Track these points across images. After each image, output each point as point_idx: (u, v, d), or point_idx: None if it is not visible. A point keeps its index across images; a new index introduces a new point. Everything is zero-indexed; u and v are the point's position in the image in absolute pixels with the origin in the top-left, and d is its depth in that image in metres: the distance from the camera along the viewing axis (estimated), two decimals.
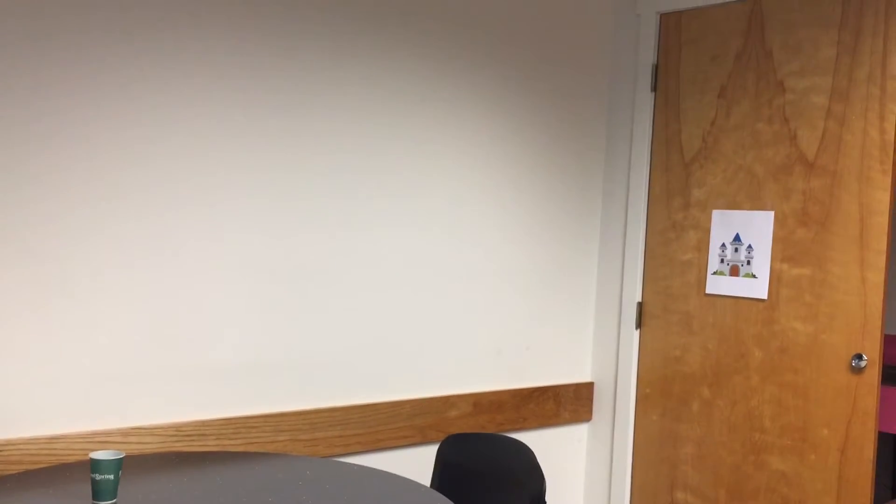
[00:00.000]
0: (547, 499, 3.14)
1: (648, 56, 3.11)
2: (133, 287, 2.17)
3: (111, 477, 1.72)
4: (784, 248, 2.77)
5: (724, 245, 2.91)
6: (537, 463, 2.23)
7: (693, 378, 2.99)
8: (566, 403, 3.14)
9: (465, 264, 2.83)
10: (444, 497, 1.88)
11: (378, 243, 2.61)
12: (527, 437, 3.05)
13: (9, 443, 1.99)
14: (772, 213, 2.79)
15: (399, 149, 2.64)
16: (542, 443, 3.10)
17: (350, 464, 2.14)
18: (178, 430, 2.24)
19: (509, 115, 2.91)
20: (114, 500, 1.73)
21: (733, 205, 2.89)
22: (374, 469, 2.10)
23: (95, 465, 1.72)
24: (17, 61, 1.97)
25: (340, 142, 2.51)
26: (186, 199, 2.24)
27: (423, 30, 2.66)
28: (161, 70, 2.17)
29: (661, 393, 3.08)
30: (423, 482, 2.72)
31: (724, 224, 2.91)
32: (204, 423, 2.29)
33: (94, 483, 1.72)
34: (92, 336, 2.12)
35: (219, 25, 2.26)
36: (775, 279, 2.79)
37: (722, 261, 2.91)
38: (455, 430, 2.78)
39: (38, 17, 1.99)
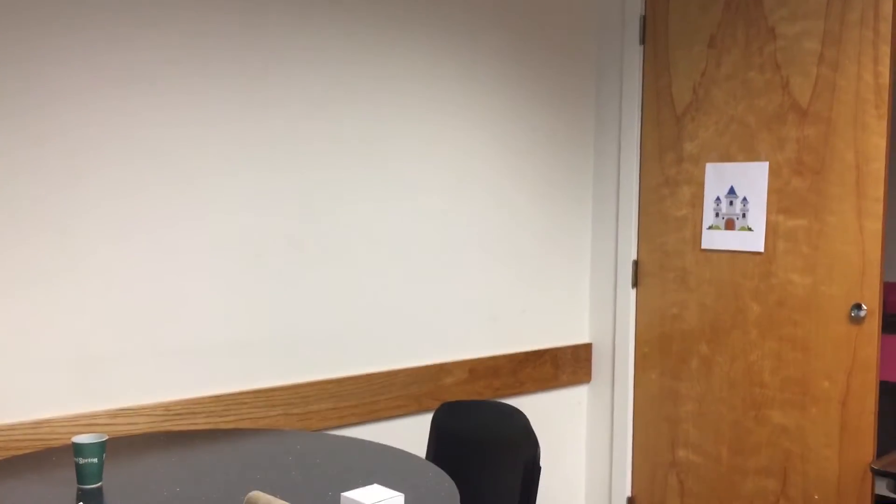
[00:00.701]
0: (549, 461, 3.13)
1: (636, 7, 3.03)
2: (117, 267, 2.13)
3: (95, 460, 1.70)
4: (780, 200, 2.71)
5: (718, 199, 2.85)
6: (531, 428, 2.20)
7: (691, 335, 2.95)
8: (564, 366, 3.11)
9: (456, 229, 2.77)
10: (434, 466, 1.85)
11: (367, 211, 2.56)
12: (525, 402, 3.02)
13: None
14: (766, 164, 2.73)
15: (386, 115, 2.58)
16: (542, 406, 3.08)
17: (341, 436, 2.11)
18: (168, 409, 2.22)
19: (495, 75, 2.84)
20: (99, 484, 1.71)
21: (726, 157, 2.83)
22: (365, 441, 2.07)
23: (78, 448, 1.69)
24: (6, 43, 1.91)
25: (328, 115, 2.45)
26: (170, 177, 2.19)
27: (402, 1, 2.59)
28: (150, 50, 2.11)
29: (659, 351, 3.04)
30: (419, 451, 2.70)
31: (717, 177, 2.85)
32: (194, 402, 2.25)
33: (78, 467, 1.69)
34: (76, 317, 2.08)
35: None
36: (771, 231, 2.73)
37: (717, 215, 2.86)
38: (451, 397, 2.75)
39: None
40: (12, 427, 1.99)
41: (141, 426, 2.17)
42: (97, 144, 2.09)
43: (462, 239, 2.80)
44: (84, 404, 2.10)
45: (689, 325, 2.95)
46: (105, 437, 1.73)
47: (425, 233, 2.70)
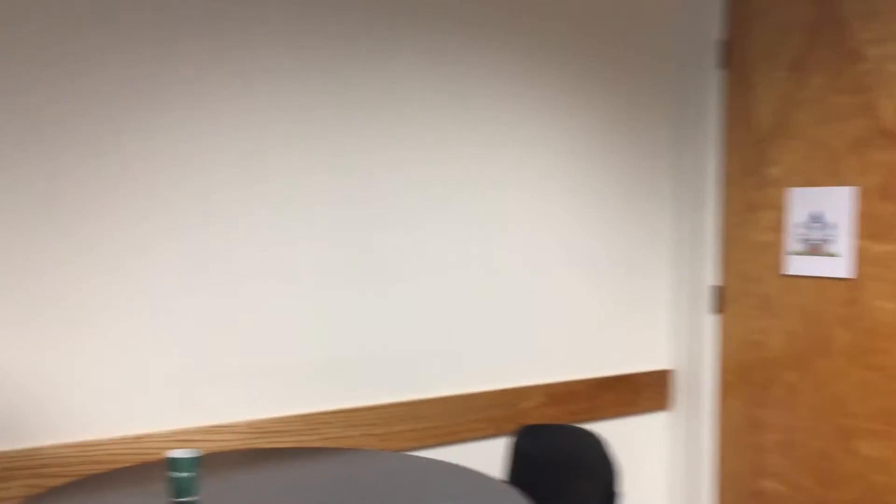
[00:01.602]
0: (626, 489, 3.10)
1: (716, 31, 3.02)
2: (211, 289, 2.24)
3: (189, 475, 1.78)
4: (867, 225, 2.65)
5: (802, 224, 2.81)
6: (610, 453, 2.20)
7: (775, 362, 2.89)
8: (644, 392, 3.09)
9: (534, 254, 2.80)
10: (515, 490, 1.88)
11: (446, 235, 2.62)
12: (604, 427, 3.01)
13: (96, 443, 2.08)
14: (852, 189, 2.67)
15: (462, 137, 2.63)
16: (620, 432, 3.06)
17: (423, 457, 2.16)
18: (257, 427, 2.30)
19: (573, 98, 2.87)
20: (193, 498, 1.79)
21: (811, 182, 2.78)
22: (447, 463, 2.11)
23: (173, 463, 1.78)
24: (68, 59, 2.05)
25: (400, 136, 2.52)
26: (257, 202, 2.29)
27: (482, 15, 2.64)
28: (217, 74, 2.23)
29: (742, 379, 2.99)
30: (497, 475, 2.72)
31: (801, 202, 2.81)
32: (281, 420, 2.34)
33: (173, 481, 1.78)
34: (173, 338, 2.19)
35: (291, 27, 2.30)
36: (858, 257, 2.67)
37: (801, 240, 2.81)
38: (529, 421, 2.77)
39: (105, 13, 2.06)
40: (113, 441, 2.11)
41: (232, 442, 2.26)
42: (183, 173, 2.20)
43: (541, 263, 2.82)
44: (179, 421, 2.21)
45: (773, 353, 2.90)
46: (199, 453, 1.81)
47: (505, 257, 2.74)
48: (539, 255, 2.82)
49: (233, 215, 2.26)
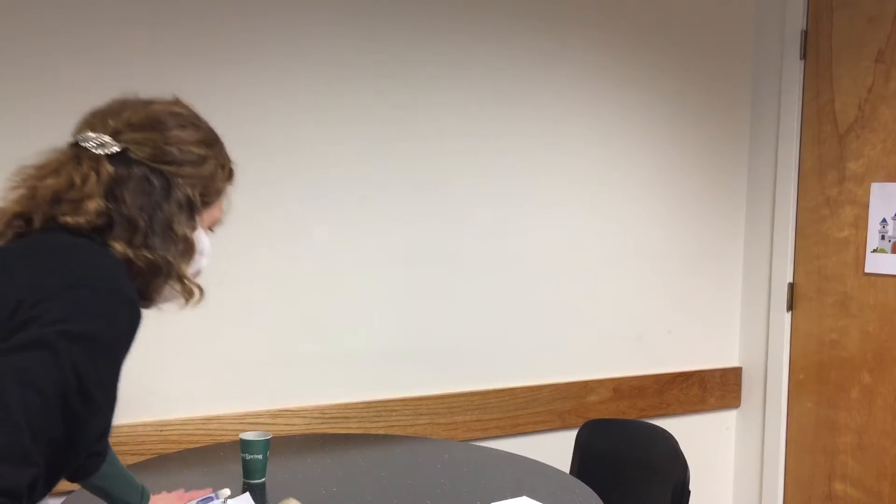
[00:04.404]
0: (694, 487, 3.04)
1: (797, 22, 2.93)
2: (280, 277, 2.26)
3: (260, 457, 1.81)
4: None
5: (885, 220, 2.71)
6: (680, 450, 2.16)
7: (852, 363, 2.80)
8: (712, 389, 3.02)
9: (603, 247, 2.76)
10: (581, 483, 1.85)
11: (516, 228, 2.60)
12: (670, 424, 2.95)
13: (168, 423, 2.13)
14: None
15: (536, 131, 2.61)
16: (687, 430, 3.00)
17: (488, 448, 2.15)
18: (323, 412, 2.32)
19: (648, 92, 2.81)
20: (263, 479, 1.82)
21: (894, 177, 2.68)
22: (513, 454, 2.10)
23: (245, 445, 1.81)
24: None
25: (475, 128, 2.51)
26: (329, 191, 2.31)
27: (556, 8, 2.61)
28: (297, 63, 2.24)
29: (816, 379, 2.91)
30: (561, 468, 2.70)
31: (884, 198, 2.70)
32: (347, 406, 2.36)
33: (245, 462, 1.81)
34: (243, 324, 2.22)
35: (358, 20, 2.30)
36: None
37: (883, 237, 2.71)
38: (594, 415, 2.74)
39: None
40: (185, 422, 2.15)
41: (299, 427, 2.29)
42: (264, 162, 2.23)
43: (610, 257, 2.78)
44: (249, 404, 2.24)
45: (850, 353, 2.81)
46: (270, 436, 1.83)
47: (574, 251, 2.71)
48: (608, 251, 2.78)
49: (302, 207, 2.28)
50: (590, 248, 2.74)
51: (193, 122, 1.22)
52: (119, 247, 1.11)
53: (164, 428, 2.12)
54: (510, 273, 2.60)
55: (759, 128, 3.04)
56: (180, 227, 1.16)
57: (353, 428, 2.37)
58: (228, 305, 2.20)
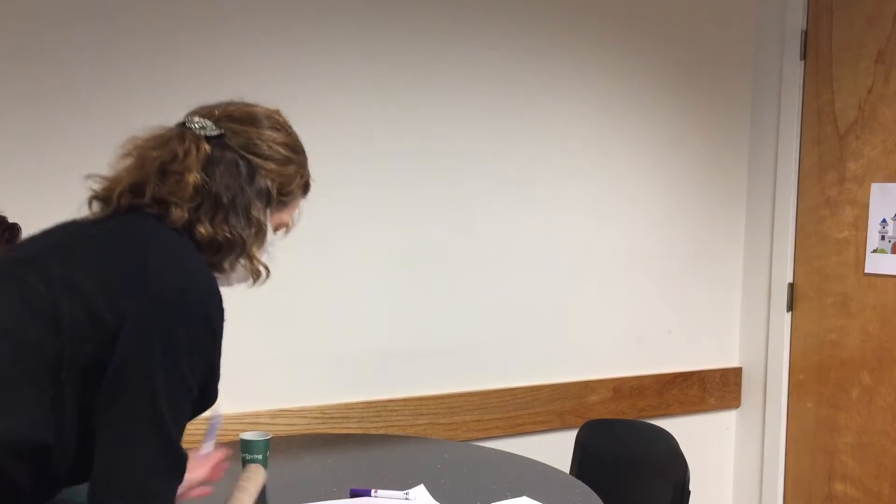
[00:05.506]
0: (693, 487, 3.04)
1: (797, 22, 2.93)
2: (280, 276, 2.26)
3: (260, 457, 1.81)
4: None
5: (884, 221, 2.71)
6: (680, 450, 2.16)
7: (852, 363, 2.80)
8: (712, 389, 3.02)
9: (603, 248, 2.77)
10: (581, 483, 1.86)
11: (516, 229, 2.60)
12: (670, 424, 2.94)
13: None
14: None
15: (537, 133, 2.61)
16: (687, 430, 3.00)
17: (488, 448, 2.15)
18: (323, 412, 2.33)
19: (648, 93, 2.82)
20: None
21: (894, 177, 2.68)
22: (513, 454, 2.10)
23: (245, 445, 1.81)
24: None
25: (473, 126, 2.51)
26: (329, 191, 2.31)
27: (556, 9, 2.61)
28: (288, 68, 2.25)
29: (815, 379, 2.91)
30: (561, 468, 2.70)
31: (884, 198, 2.71)
32: (347, 406, 2.36)
33: (245, 462, 1.81)
34: (243, 325, 2.22)
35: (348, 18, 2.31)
36: None
37: (883, 238, 2.71)
38: (594, 415, 2.74)
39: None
40: None
41: (299, 427, 2.29)
42: None
43: (610, 257, 2.78)
44: (249, 404, 2.24)
45: (850, 353, 2.81)
46: (269, 436, 1.84)
47: (573, 251, 2.71)
48: (607, 251, 2.78)
49: (301, 203, 2.28)
50: (590, 248, 2.74)
51: (286, 128, 1.36)
52: (204, 230, 1.24)
53: None
54: (510, 273, 2.60)
55: (758, 128, 3.04)
56: (257, 212, 1.30)
57: (353, 428, 2.37)
58: (228, 306, 2.19)
